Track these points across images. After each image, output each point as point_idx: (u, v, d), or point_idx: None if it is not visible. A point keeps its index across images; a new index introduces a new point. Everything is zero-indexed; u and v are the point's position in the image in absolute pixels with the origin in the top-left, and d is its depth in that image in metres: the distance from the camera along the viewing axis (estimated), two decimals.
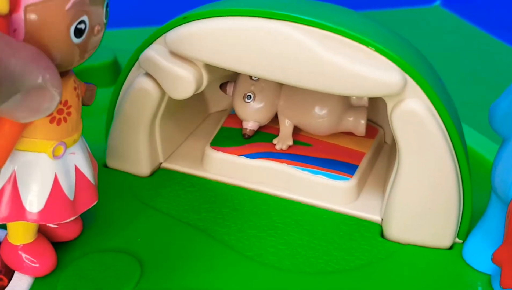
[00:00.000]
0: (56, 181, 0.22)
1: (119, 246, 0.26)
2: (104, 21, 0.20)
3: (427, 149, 0.25)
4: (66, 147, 0.22)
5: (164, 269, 0.25)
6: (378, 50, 0.25)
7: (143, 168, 0.30)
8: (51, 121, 0.21)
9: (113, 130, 0.30)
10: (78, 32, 0.19)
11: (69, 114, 0.21)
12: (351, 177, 0.29)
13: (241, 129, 0.32)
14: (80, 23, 0.19)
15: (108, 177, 0.30)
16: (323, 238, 0.27)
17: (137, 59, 0.28)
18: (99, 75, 0.39)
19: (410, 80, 0.25)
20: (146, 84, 0.28)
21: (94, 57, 0.39)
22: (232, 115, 0.34)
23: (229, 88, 0.32)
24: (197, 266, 0.25)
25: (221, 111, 0.36)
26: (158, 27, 0.28)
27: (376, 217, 0.28)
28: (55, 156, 0.21)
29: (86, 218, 0.27)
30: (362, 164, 0.30)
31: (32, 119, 0.19)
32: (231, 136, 0.32)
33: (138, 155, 0.30)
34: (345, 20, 0.26)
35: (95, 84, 0.39)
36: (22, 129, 0.20)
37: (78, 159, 0.23)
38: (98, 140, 0.32)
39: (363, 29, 0.26)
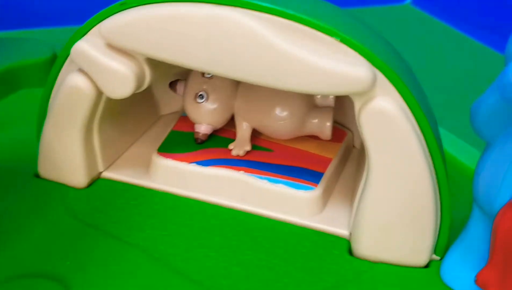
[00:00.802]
0: None
1: (45, 270, 0.22)
2: None
3: (399, 154, 0.22)
4: None
5: None
6: (344, 40, 0.22)
7: (79, 177, 0.26)
8: None
9: (44, 134, 0.26)
10: None
11: None
12: (316, 186, 0.26)
13: (193, 133, 0.29)
14: None
15: (38, 189, 0.26)
16: (283, 256, 0.24)
17: (69, 53, 0.25)
18: (36, 72, 0.35)
19: (380, 75, 0.22)
20: (79, 81, 0.24)
21: (31, 53, 0.36)
22: (184, 117, 0.30)
23: (179, 87, 0.29)
24: None
25: (173, 113, 0.33)
26: None
27: (343, 232, 0.25)
28: None
29: (9, 236, 0.23)
30: (328, 172, 0.27)
31: None
32: (182, 141, 0.29)
33: (72, 162, 0.26)
34: (309, 9, 0.23)
35: (32, 82, 0.35)
36: None
37: None
38: (32, 147, 0.28)
39: (329, 19, 0.23)
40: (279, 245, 0.24)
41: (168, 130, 0.30)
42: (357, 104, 0.22)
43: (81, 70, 0.25)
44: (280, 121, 0.27)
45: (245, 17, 0.22)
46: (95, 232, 0.24)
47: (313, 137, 0.29)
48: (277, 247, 0.24)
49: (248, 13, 0.22)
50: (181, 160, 0.27)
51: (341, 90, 0.22)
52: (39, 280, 0.22)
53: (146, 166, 0.28)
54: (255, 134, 0.29)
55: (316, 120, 0.28)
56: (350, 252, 0.25)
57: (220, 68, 0.22)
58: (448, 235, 0.24)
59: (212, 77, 0.28)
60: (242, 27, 0.22)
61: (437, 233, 0.24)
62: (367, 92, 0.22)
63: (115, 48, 0.24)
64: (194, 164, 0.27)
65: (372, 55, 0.22)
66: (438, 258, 0.24)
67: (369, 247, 0.24)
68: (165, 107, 0.32)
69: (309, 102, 0.28)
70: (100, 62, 0.24)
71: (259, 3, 0.22)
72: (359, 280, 0.23)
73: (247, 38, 0.22)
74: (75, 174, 0.26)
